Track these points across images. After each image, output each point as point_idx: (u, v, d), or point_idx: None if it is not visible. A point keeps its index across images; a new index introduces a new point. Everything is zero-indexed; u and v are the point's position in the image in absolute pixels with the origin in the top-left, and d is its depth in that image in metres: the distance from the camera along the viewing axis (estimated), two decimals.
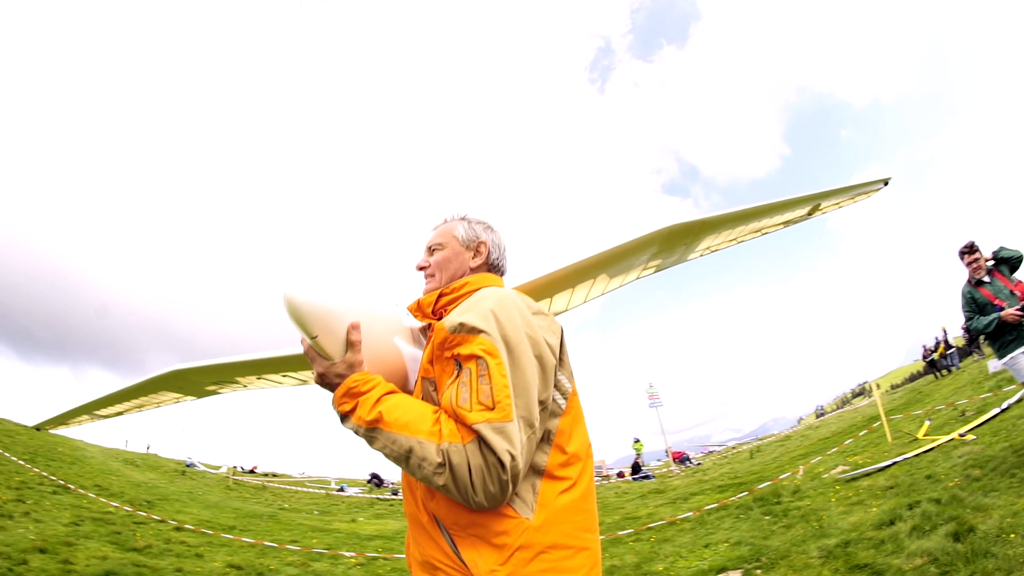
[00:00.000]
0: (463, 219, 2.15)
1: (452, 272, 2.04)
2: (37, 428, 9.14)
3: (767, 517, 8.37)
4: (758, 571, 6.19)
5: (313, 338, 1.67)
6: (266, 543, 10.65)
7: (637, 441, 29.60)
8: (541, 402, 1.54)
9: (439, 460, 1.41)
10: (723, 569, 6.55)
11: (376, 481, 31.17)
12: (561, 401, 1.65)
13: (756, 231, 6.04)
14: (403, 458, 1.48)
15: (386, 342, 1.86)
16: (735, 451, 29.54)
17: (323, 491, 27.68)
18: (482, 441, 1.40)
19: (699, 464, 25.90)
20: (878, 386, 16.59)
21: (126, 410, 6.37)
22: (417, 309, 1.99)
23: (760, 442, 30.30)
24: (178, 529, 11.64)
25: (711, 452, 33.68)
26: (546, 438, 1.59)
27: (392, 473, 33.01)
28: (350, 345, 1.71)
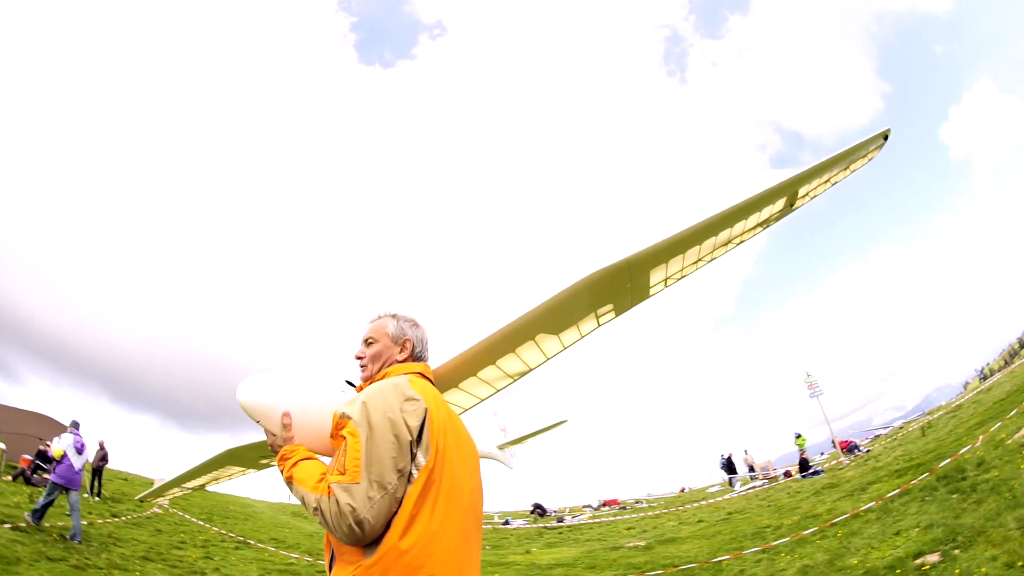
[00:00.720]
0: (394, 317, 2.85)
1: (382, 363, 2.73)
2: (140, 500, 10.56)
3: (955, 495, 7.95)
4: (956, 551, 5.90)
5: (257, 422, 2.78)
6: None
7: (799, 437, 28.30)
8: (400, 470, 2.10)
9: (315, 507, 2.10)
10: (919, 554, 6.28)
11: (540, 511, 31.18)
12: (414, 472, 2.16)
13: (723, 245, 5.30)
14: (304, 504, 2.21)
15: (324, 418, 2.60)
16: (903, 431, 27.82)
17: (489, 526, 27.87)
18: (335, 496, 2.03)
19: (868, 451, 24.57)
20: None
21: (205, 483, 7.47)
22: (357, 392, 2.75)
23: (929, 417, 28.45)
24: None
25: (877, 436, 31.83)
26: (399, 500, 2.10)
27: (554, 502, 33.09)
28: (284, 427, 2.63)
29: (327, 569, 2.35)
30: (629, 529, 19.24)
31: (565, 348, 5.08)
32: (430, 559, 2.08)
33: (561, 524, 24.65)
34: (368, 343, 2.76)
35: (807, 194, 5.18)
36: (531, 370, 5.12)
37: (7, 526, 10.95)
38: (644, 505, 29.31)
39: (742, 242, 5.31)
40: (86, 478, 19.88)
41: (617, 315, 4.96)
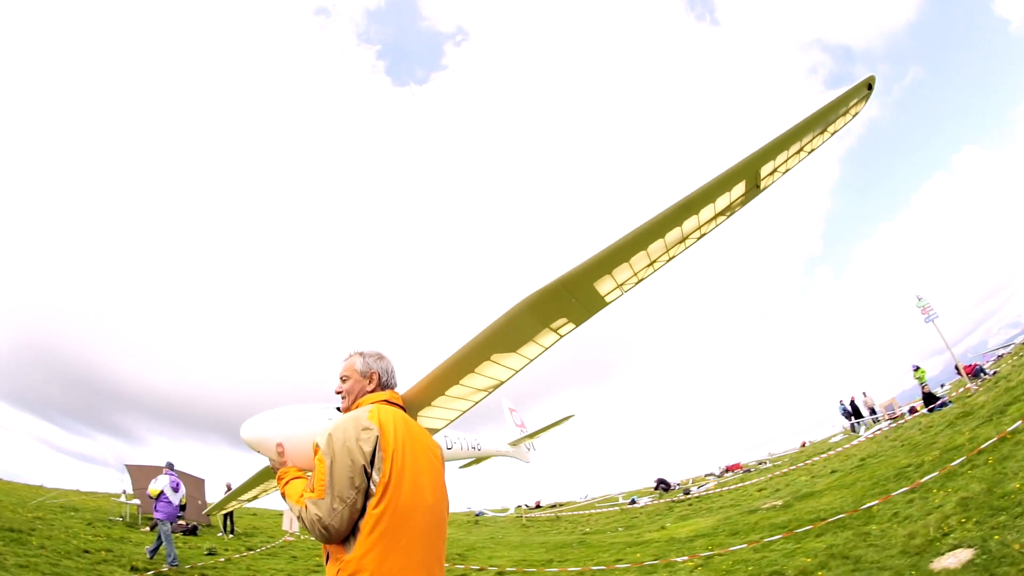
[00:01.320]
0: (360, 354, 3.56)
1: (356, 395, 3.46)
2: (206, 514, 11.93)
3: None
4: None
5: (257, 452, 4.40)
6: (594, 567, 10.73)
7: (917, 369, 27.02)
8: (356, 487, 2.80)
9: (298, 515, 2.87)
10: None
11: (664, 486, 30.92)
12: (372, 487, 2.84)
13: (679, 243, 5.00)
14: (293, 514, 2.97)
15: (310, 444, 3.17)
16: None
17: (616, 508, 27.93)
18: (309, 508, 2.80)
19: (995, 372, 23.42)
20: None
21: (256, 495, 8.66)
22: None
23: None
24: (500, 573, 12.04)
25: (1000, 357, 30.34)
26: (360, 511, 2.81)
27: (676, 475, 32.83)
28: (278, 455, 3.49)
29: (324, 563, 3.08)
30: (760, 491, 18.92)
31: (531, 360, 5.42)
32: (386, 553, 2.78)
33: (688, 496, 24.43)
34: (343, 379, 3.55)
35: (776, 170, 4.87)
36: (503, 382, 5.61)
37: (150, 573, 11.70)
38: (768, 465, 28.75)
39: (704, 235, 5.07)
40: (215, 518, 22.50)
41: (577, 325, 5.21)
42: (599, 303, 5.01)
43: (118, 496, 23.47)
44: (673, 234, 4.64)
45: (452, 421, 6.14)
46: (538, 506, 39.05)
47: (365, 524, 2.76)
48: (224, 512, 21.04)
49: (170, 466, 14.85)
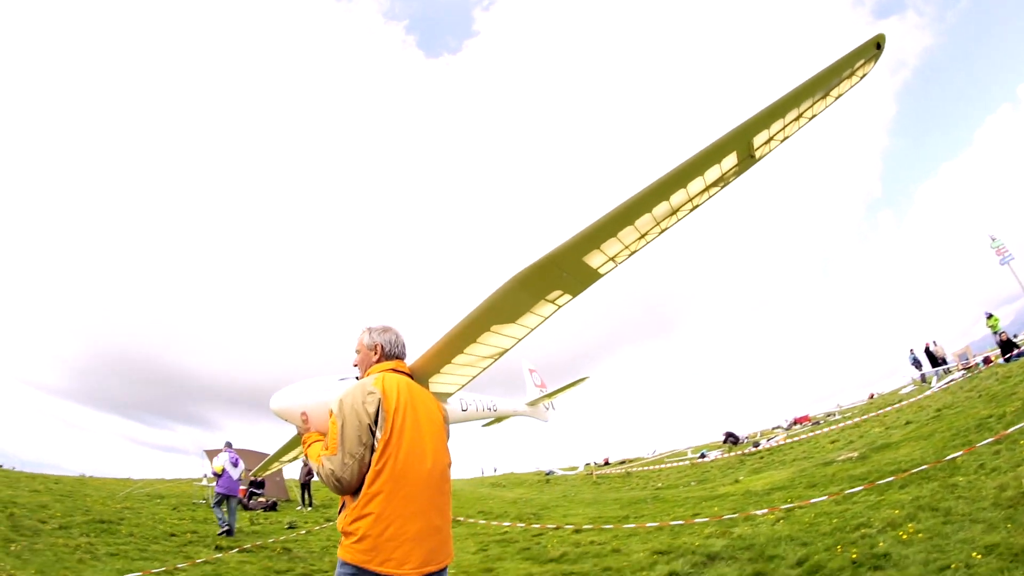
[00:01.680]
0: (368, 330, 4.09)
1: (365, 365, 4.01)
2: (252, 474, 13.50)
3: None
4: None
5: (284, 420, 5.32)
6: (671, 523, 10.76)
7: (991, 317, 26.11)
8: (364, 443, 3.36)
9: (317, 471, 3.45)
10: None
11: (733, 439, 30.84)
12: (376, 444, 3.38)
13: (670, 216, 4.95)
14: (313, 469, 3.91)
15: (328, 411, 3.72)
16: None
17: (685, 462, 27.93)
18: (324, 464, 3.37)
19: None
20: None
21: (294, 457, 9.60)
22: None
23: None
24: (577, 531, 12.00)
25: None
26: (367, 463, 3.37)
27: (744, 428, 32.77)
28: (303, 422, 4.19)
29: (338, 513, 3.70)
30: (833, 443, 18.80)
31: (532, 329, 5.85)
32: (388, 498, 3.34)
33: (758, 449, 24.43)
34: (356, 353, 4.12)
35: (772, 139, 4.57)
36: (506, 350, 6.12)
37: (234, 551, 12.15)
38: (837, 417, 28.46)
39: (697, 206, 4.97)
40: (294, 492, 24.41)
41: (574, 296, 5.49)
42: (592, 275, 5.23)
43: (199, 480, 24.93)
44: (661, 208, 4.68)
45: (464, 385, 6.71)
46: (607, 463, 39.42)
47: (370, 475, 3.33)
48: (301, 486, 22.60)
49: (228, 445, 16.08)
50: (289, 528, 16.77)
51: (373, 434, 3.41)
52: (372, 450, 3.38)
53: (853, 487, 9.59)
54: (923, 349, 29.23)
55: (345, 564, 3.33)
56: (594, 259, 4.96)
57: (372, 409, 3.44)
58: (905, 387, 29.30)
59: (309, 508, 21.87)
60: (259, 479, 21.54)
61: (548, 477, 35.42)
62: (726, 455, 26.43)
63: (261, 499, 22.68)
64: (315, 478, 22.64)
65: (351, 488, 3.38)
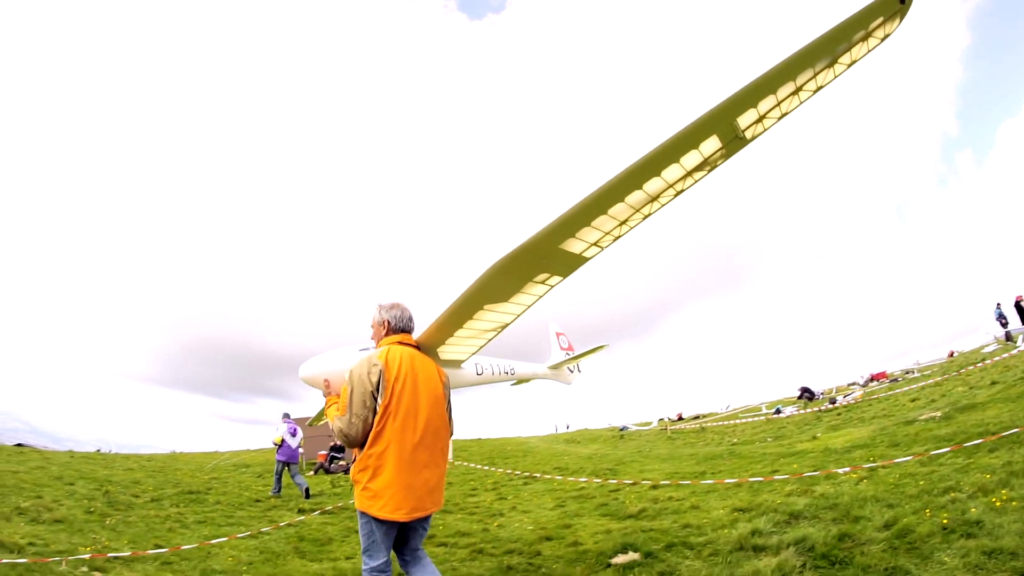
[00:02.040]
0: (379, 307, 4.88)
1: (377, 339, 4.90)
2: (310, 424, 17.49)
3: None
4: None
5: (311, 386, 8.21)
6: (750, 479, 10.75)
7: None
8: (367, 407, 4.22)
9: (332, 428, 4.39)
10: None
11: (808, 395, 30.50)
12: (377, 408, 4.24)
13: (650, 202, 4.90)
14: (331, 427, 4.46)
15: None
16: None
17: (760, 418, 27.79)
18: (336, 422, 4.31)
19: None
20: None
21: None
22: None
23: None
24: (654, 487, 11.98)
25: None
26: (371, 423, 4.25)
27: (819, 384, 32.31)
28: (326, 387, 5.32)
29: (351, 463, 4.80)
30: (913, 401, 18.41)
31: (528, 306, 6.45)
32: (386, 454, 4.22)
33: (835, 405, 24.12)
34: (371, 327, 4.98)
35: (766, 116, 4.22)
36: (507, 324, 6.80)
37: (316, 512, 12.69)
38: (916, 374, 27.76)
39: (681, 192, 4.89)
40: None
41: (564, 277, 5.97)
42: (577, 260, 5.59)
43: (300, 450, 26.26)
44: (636, 197, 4.72)
45: (474, 353, 7.62)
46: (680, 418, 39.47)
47: (372, 434, 4.25)
48: None
49: (287, 416, 17.60)
50: None
51: (376, 399, 4.28)
52: (375, 412, 4.27)
53: (939, 448, 9.49)
54: (1012, 303, 27.46)
55: (358, 511, 4.34)
56: (573, 245, 5.26)
57: (375, 379, 4.29)
58: (988, 345, 28.15)
59: None
60: (339, 444, 22.57)
61: (622, 433, 35.55)
62: (802, 411, 26.17)
63: (342, 463, 24.04)
64: None
65: (357, 442, 4.31)
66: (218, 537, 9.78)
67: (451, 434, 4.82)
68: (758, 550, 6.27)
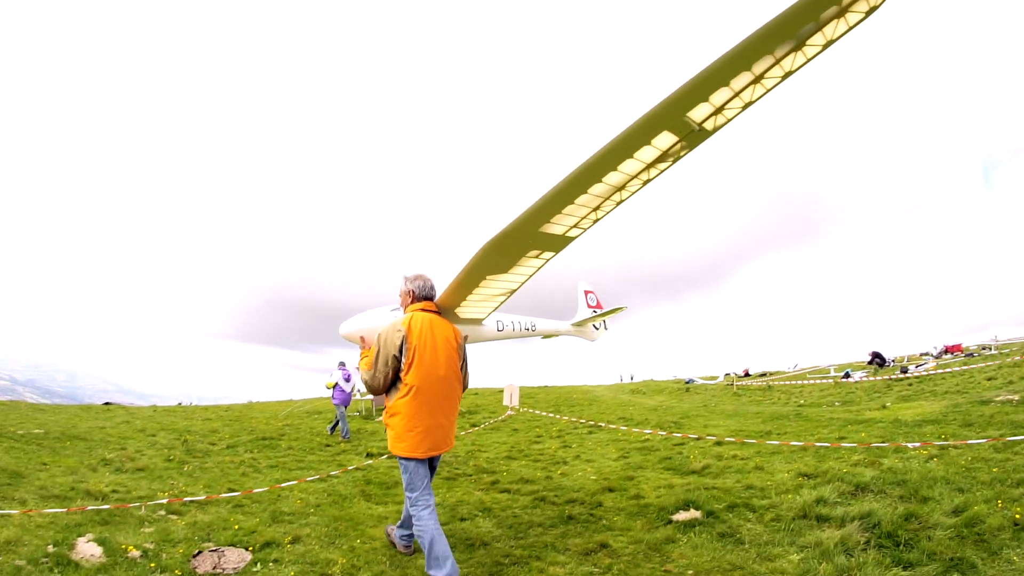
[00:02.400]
0: (405, 278, 5.70)
1: (405, 305, 5.73)
2: (358, 368, 15.42)
3: None
4: None
5: (349, 341, 9.07)
6: (817, 444, 10.58)
7: None
8: (390, 365, 5.19)
9: (363, 378, 5.42)
10: None
11: (879, 361, 29.85)
12: (401, 364, 5.18)
13: (616, 189, 5.15)
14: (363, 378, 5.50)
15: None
16: None
17: (828, 380, 27.37)
18: (364, 375, 5.38)
19: None
20: None
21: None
22: None
23: None
24: (718, 443, 11.96)
25: None
26: (394, 381, 5.27)
27: (891, 350, 31.57)
28: (362, 342, 6.39)
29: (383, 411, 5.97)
30: (989, 380, 17.88)
31: (528, 276, 7.08)
32: (408, 404, 5.14)
33: (906, 375, 23.59)
34: (399, 295, 5.80)
35: (726, 106, 4.02)
36: (514, 290, 7.47)
37: (383, 457, 12.99)
38: (993, 351, 26.83)
39: (648, 181, 5.09)
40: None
41: (556, 252, 6.47)
42: (561, 240, 6.11)
43: (354, 395, 26.88)
44: (598, 188, 5.07)
45: (492, 311, 8.33)
46: (746, 374, 39.33)
47: (399, 386, 5.21)
48: None
49: (342, 364, 18.63)
50: None
51: (399, 360, 5.20)
52: (396, 370, 5.23)
53: (1016, 434, 9.15)
54: None
55: (390, 452, 5.39)
56: (553, 228, 5.77)
57: (398, 342, 5.20)
58: None
59: None
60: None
61: (688, 386, 35.39)
62: (871, 377, 25.67)
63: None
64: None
65: (378, 392, 5.37)
66: (288, 481, 10.19)
67: (465, 387, 5.82)
68: (822, 520, 6.23)
